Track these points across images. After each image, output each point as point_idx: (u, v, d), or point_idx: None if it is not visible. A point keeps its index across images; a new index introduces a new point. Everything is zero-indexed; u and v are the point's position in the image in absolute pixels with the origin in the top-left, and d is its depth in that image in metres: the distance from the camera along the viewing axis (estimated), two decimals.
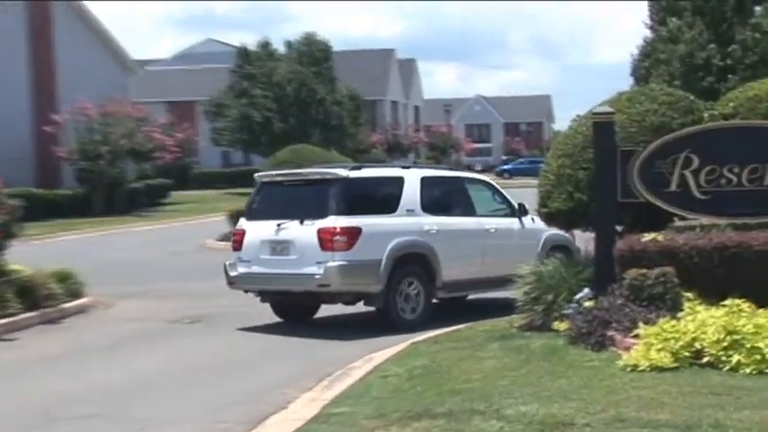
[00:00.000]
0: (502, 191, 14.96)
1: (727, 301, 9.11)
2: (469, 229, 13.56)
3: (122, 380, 10.00)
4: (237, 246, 13.17)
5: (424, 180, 13.46)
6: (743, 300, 9.11)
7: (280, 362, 10.76)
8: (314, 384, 9.23)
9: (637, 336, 8.87)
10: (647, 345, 8.55)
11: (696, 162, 10.34)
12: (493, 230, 13.94)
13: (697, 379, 7.93)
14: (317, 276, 12.14)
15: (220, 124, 59.06)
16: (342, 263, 12.15)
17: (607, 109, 10.79)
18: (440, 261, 12.96)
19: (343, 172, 12.86)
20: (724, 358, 8.26)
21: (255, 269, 12.87)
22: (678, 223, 11.41)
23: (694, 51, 28.36)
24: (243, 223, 13.39)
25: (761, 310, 8.97)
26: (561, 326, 10.10)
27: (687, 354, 8.42)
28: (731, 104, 11.27)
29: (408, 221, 12.95)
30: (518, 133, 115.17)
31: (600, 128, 10.59)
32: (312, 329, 12.98)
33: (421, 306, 12.81)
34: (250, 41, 67.86)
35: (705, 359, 8.36)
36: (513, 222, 14.32)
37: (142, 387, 9.63)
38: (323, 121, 56.57)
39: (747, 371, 8.05)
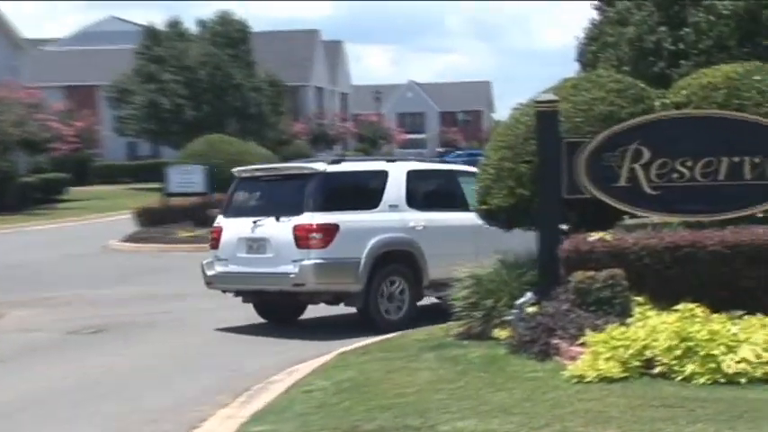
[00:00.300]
0: None
1: (680, 306, 9.26)
2: (461, 226, 13.65)
3: (11, 399, 9.81)
4: (215, 244, 13.70)
5: (410, 174, 13.82)
6: (696, 304, 9.28)
7: (194, 375, 10.68)
8: (231, 400, 9.17)
9: (583, 344, 8.98)
10: (595, 354, 8.66)
11: (647, 155, 10.49)
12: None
13: (648, 390, 8.06)
14: (291, 275, 12.62)
15: (125, 112, 58.30)
16: (317, 261, 12.61)
17: (551, 97, 10.89)
18: (426, 259, 13.24)
19: (320, 166, 13.35)
20: (677, 367, 8.40)
21: (232, 268, 13.38)
22: (628, 221, 11.58)
23: (644, 34, 28.69)
24: (220, 220, 13.87)
25: (715, 315, 9.14)
26: (502, 334, 10.18)
27: (637, 363, 8.54)
28: (684, 92, 11.45)
29: (392, 218, 13.34)
30: (455, 123, 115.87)
31: (543, 117, 10.68)
32: (233, 336, 12.92)
33: (405, 306, 13.16)
34: (158, 20, 67.03)
35: (656, 369, 8.49)
36: None
37: (34, 407, 9.46)
38: (240, 109, 56.24)
39: (702, 381, 8.20)
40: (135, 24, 71.31)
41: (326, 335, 12.73)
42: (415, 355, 10.16)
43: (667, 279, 9.73)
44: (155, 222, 28.81)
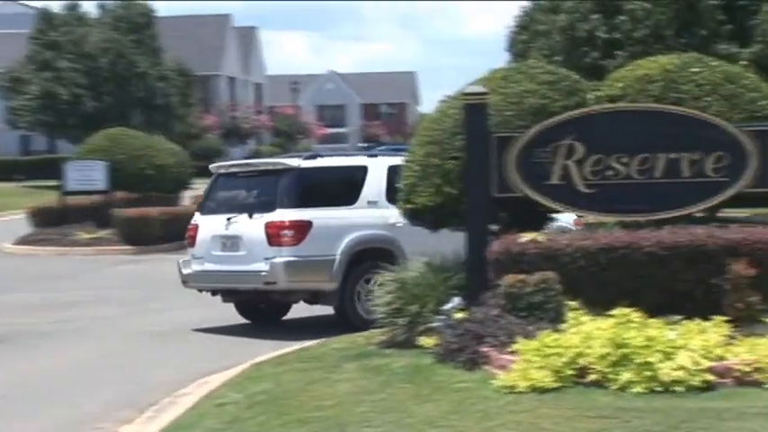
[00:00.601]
0: None
1: (616, 311, 9.39)
2: None
3: None
4: (191, 242, 14.27)
5: (391, 169, 13.95)
6: (633, 308, 9.41)
7: (95, 389, 10.54)
8: (136, 415, 9.08)
9: (514, 352, 9.05)
10: (526, 362, 8.74)
11: (580, 151, 10.60)
12: None
13: (582, 400, 8.16)
14: (263, 273, 13.05)
15: (18, 103, 57.33)
16: (289, 259, 13.09)
17: (480, 89, 10.95)
18: (407, 257, 13.33)
19: (294, 162, 13.84)
20: (612, 376, 8.51)
21: (208, 266, 13.92)
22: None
23: (576, 23, 29.08)
24: (197, 218, 14.43)
25: (652, 320, 9.28)
26: (428, 341, 10.22)
27: (571, 372, 8.64)
28: (619, 85, 11.60)
29: (370, 214, 13.67)
30: (378, 116, 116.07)
31: (471, 111, 10.74)
32: (142, 346, 12.79)
33: None
34: (54, 2, 66.07)
35: (591, 377, 8.59)
36: None
37: None
38: (145, 100, 55.69)
39: (638, 390, 8.32)
40: (28, 6, 70.20)
41: (250, 341, 12.66)
42: (335, 366, 10.15)
43: (602, 282, 9.85)
44: (52, 223, 28.37)
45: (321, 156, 14.43)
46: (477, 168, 10.68)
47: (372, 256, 13.44)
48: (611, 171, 10.61)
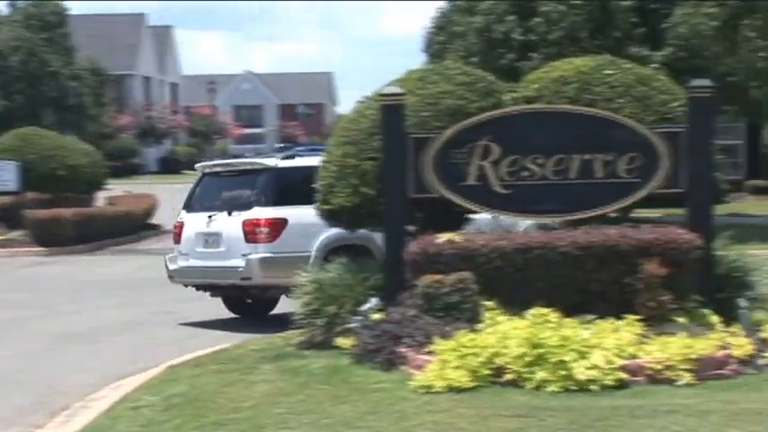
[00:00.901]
0: None
1: (532, 311, 9.50)
2: None
3: None
4: (177, 239, 14.96)
5: None
6: (548, 308, 9.52)
7: (6, 392, 10.34)
8: (47, 420, 8.94)
9: (431, 352, 9.10)
10: (443, 362, 8.79)
11: (496, 152, 10.69)
12: None
13: (498, 400, 8.23)
14: (239, 269, 13.62)
15: None
16: (264, 255, 13.67)
17: (396, 90, 10.99)
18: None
19: (271, 161, 14.50)
20: (527, 375, 8.60)
21: (192, 262, 14.59)
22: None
23: (492, 24, 29.31)
24: (183, 215, 15.06)
25: (567, 320, 9.41)
26: (345, 342, 10.23)
27: (487, 371, 8.71)
28: (535, 86, 11.71)
29: None
30: (296, 116, 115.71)
31: (388, 111, 10.77)
32: (55, 348, 12.59)
33: None
34: None
35: (507, 377, 8.68)
36: None
37: None
38: (57, 100, 54.81)
39: (553, 388, 8.43)
40: None
41: (166, 343, 12.55)
42: (252, 367, 10.11)
43: (518, 282, 9.94)
44: None
45: (299, 155, 14.81)
46: (394, 169, 10.71)
47: (351, 252, 13.26)
48: (526, 172, 10.71)
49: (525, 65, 27.35)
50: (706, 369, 8.89)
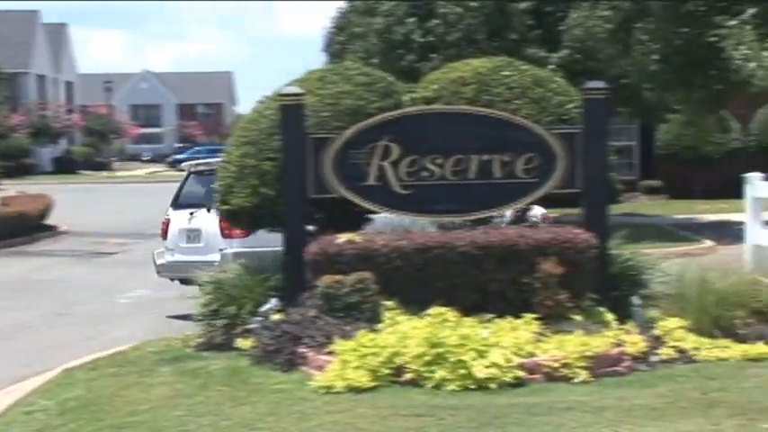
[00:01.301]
0: None
1: (431, 310, 9.55)
2: None
3: None
4: (164, 235, 15.63)
5: None
6: (447, 307, 9.59)
7: None
8: None
9: (331, 352, 9.10)
10: (343, 362, 8.80)
11: (396, 152, 10.73)
12: None
13: (398, 399, 8.26)
14: (215, 263, 13.50)
15: None
16: (238, 250, 13.94)
17: (296, 90, 10.96)
18: None
19: None
20: (427, 374, 8.65)
21: (177, 257, 15.22)
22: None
23: (392, 26, 29.40)
24: (170, 212, 15.68)
25: (467, 319, 9.48)
26: (245, 343, 10.17)
27: (387, 371, 8.73)
28: (434, 87, 11.79)
29: None
30: (195, 116, 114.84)
31: (288, 111, 10.74)
32: None
33: None
34: None
35: (407, 376, 8.71)
36: None
37: None
38: None
39: (452, 387, 8.49)
40: None
41: (62, 346, 12.32)
42: (149, 369, 9.99)
43: (418, 282, 9.99)
44: None
45: None
46: (293, 169, 10.68)
47: None
48: (425, 172, 10.77)
49: (425, 66, 27.49)
50: (601, 366, 9.04)
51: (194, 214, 15.03)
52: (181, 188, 16.04)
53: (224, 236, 14.30)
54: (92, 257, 22.96)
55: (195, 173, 16.01)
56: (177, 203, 15.79)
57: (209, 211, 14.32)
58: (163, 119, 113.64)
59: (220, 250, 14.29)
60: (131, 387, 9.27)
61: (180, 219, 15.35)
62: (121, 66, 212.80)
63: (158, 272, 15.61)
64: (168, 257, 15.45)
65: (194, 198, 15.41)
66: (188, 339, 11.08)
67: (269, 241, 13.26)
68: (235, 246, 14.12)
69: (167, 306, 15.00)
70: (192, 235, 15.10)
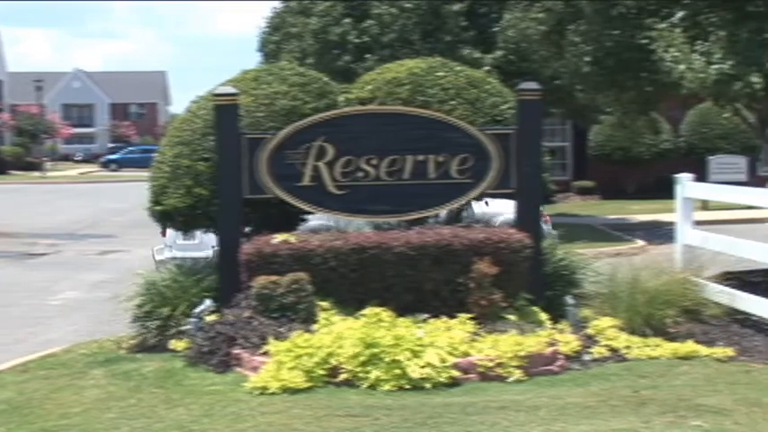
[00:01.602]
0: None
1: (366, 311, 9.55)
2: None
3: None
4: (163, 232, 15.40)
5: None
6: (383, 308, 9.60)
7: None
8: None
9: (266, 353, 9.07)
10: (278, 363, 8.77)
11: (331, 152, 10.72)
12: None
13: (333, 400, 8.25)
14: (209, 259, 13.60)
15: None
16: None
17: (230, 90, 10.91)
18: None
19: None
20: (362, 375, 8.65)
21: (174, 254, 15.83)
22: (314, 223, 11.79)
23: (328, 26, 29.39)
24: None
25: (401, 319, 9.50)
26: (179, 345, 10.10)
27: (322, 372, 8.72)
28: (368, 88, 11.80)
29: None
30: (128, 116, 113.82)
31: (222, 111, 10.68)
32: None
33: None
34: None
35: (342, 377, 8.71)
36: None
37: None
38: None
39: (387, 387, 8.50)
40: None
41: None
42: (81, 372, 9.88)
43: (353, 282, 9.99)
44: None
45: None
46: (228, 170, 10.63)
47: None
48: (360, 172, 10.77)
49: (360, 66, 27.51)
50: (535, 365, 9.10)
51: None
52: None
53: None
54: (22, 259, 22.64)
55: None
56: None
57: None
58: (95, 118, 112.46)
59: (213, 247, 14.11)
60: (63, 390, 9.16)
61: None
62: (52, 65, 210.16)
63: (157, 268, 15.63)
64: (167, 254, 16.08)
65: None
66: (121, 341, 10.98)
67: None
68: None
69: (99, 308, 14.83)
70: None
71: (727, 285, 11.40)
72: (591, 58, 16.86)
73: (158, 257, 16.11)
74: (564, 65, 18.10)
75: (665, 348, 9.87)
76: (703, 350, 9.87)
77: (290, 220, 11.46)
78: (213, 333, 9.72)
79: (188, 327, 10.22)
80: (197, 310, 10.30)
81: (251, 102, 11.14)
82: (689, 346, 9.91)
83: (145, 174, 14.52)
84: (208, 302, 10.37)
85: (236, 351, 9.42)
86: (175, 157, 11.21)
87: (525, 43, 20.81)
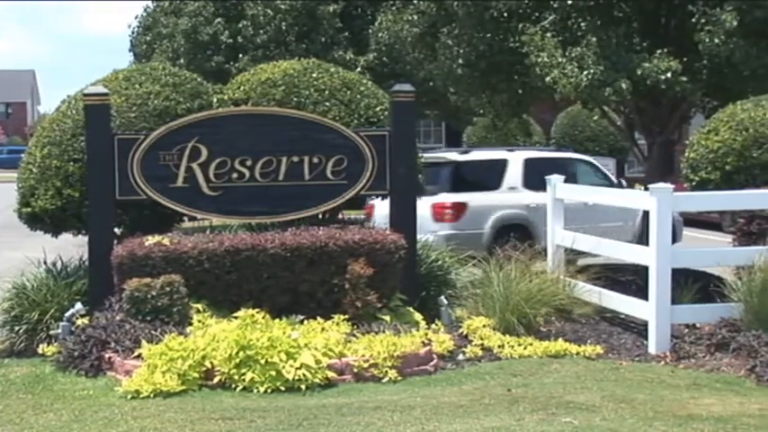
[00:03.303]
0: (602, 168, 18.32)
1: (241, 312, 9.50)
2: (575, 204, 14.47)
3: None
4: (368, 217, 15.81)
5: (528, 161, 16.54)
6: (258, 310, 9.55)
7: None
8: None
9: (139, 357, 8.94)
10: (151, 366, 8.65)
11: (204, 153, 10.63)
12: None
13: (207, 403, 8.18)
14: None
15: None
16: (449, 232, 15.36)
17: (101, 89, 10.74)
18: (541, 233, 14.33)
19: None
20: (237, 377, 8.59)
21: None
22: (187, 224, 11.68)
23: (199, 26, 29.18)
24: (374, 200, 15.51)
25: (276, 321, 9.47)
26: (49, 349, 9.90)
27: (196, 374, 8.63)
28: (242, 88, 11.76)
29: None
30: None
31: (92, 112, 10.50)
32: None
33: None
34: None
35: (216, 379, 8.64)
36: None
37: None
38: None
39: (262, 389, 8.46)
40: None
41: None
42: None
43: (228, 284, 9.93)
44: None
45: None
46: (98, 171, 10.45)
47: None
48: (235, 174, 10.71)
49: (233, 66, 27.36)
50: (410, 365, 9.16)
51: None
52: None
53: (435, 220, 15.77)
54: None
55: None
56: None
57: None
58: None
59: (432, 233, 14.80)
60: None
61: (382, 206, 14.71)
62: None
63: None
64: None
65: None
66: None
67: (476, 224, 15.84)
68: (446, 229, 15.66)
69: None
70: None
71: (596, 284, 11.66)
72: (464, 60, 17.05)
73: None
74: (437, 67, 18.27)
75: (537, 347, 10.04)
76: (573, 348, 10.07)
77: (164, 221, 11.33)
78: (84, 337, 9.54)
79: (58, 331, 10.02)
80: (67, 313, 10.11)
81: (123, 102, 11.00)
82: (559, 345, 10.10)
83: (13, 175, 14.15)
84: (78, 306, 10.19)
85: (108, 355, 9.27)
86: (45, 157, 11.00)
87: (399, 45, 20.95)
